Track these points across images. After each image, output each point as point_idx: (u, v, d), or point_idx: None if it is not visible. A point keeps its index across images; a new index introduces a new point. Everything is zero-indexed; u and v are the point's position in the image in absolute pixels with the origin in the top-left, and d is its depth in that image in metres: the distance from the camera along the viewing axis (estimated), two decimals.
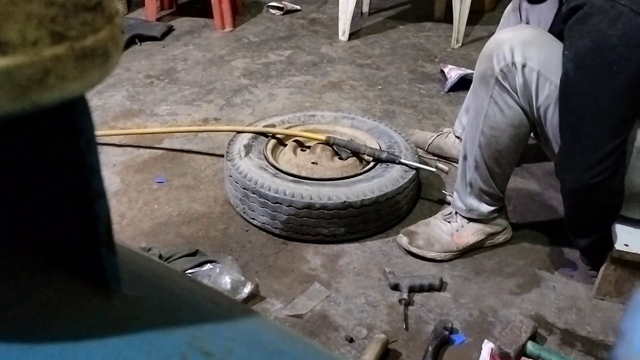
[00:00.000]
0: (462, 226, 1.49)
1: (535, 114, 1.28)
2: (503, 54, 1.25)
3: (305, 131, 1.77)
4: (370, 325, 1.28)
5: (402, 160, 1.59)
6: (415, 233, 1.50)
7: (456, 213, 1.50)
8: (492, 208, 1.46)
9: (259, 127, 1.76)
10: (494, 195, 1.44)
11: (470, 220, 1.48)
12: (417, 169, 1.61)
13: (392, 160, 1.60)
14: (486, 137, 1.35)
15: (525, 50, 1.24)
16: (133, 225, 1.57)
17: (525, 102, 1.27)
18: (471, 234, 1.49)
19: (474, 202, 1.45)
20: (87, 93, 0.25)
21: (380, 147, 1.67)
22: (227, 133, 1.90)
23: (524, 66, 1.24)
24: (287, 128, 1.78)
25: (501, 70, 1.26)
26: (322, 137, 1.70)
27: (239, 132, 1.74)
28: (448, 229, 1.49)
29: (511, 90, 1.27)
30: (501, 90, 1.28)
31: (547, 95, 1.24)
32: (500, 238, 1.53)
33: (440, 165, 1.63)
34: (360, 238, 1.54)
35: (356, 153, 1.67)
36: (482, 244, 1.51)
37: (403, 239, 1.49)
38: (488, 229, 1.49)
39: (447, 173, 1.66)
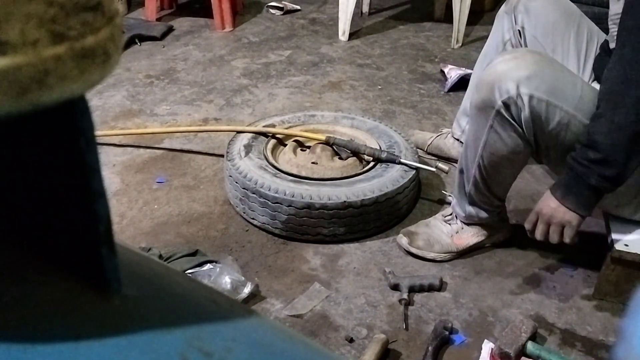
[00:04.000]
0: (462, 228, 1.49)
1: (544, 139, 1.25)
2: (507, 87, 1.20)
3: (305, 131, 1.77)
4: (370, 325, 1.28)
5: (402, 160, 1.59)
6: (415, 233, 1.50)
7: (456, 216, 1.50)
8: (490, 213, 1.46)
9: (259, 127, 1.76)
10: (493, 203, 1.44)
11: (469, 224, 1.49)
12: (417, 168, 1.61)
13: (392, 160, 1.60)
14: (485, 161, 1.33)
15: (531, 82, 1.19)
16: (133, 225, 1.57)
17: (529, 132, 1.24)
18: (471, 235, 1.49)
19: (473, 210, 1.45)
20: (87, 93, 0.25)
21: (380, 147, 1.66)
22: (227, 133, 1.90)
23: (531, 98, 1.19)
24: (287, 128, 1.78)
25: (504, 103, 1.22)
26: (322, 137, 1.70)
27: (239, 132, 1.74)
28: (448, 230, 1.49)
29: (513, 122, 1.23)
30: (502, 121, 1.24)
31: (558, 121, 1.21)
32: (500, 237, 1.53)
33: (440, 165, 1.63)
34: (360, 238, 1.54)
35: (356, 153, 1.67)
36: (482, 245, 1.51)
37: (403, 240, 1.49)
38: (487, 230, 1.50)
39: (447, 173, 1.66)
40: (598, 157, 1.14)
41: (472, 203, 1.44)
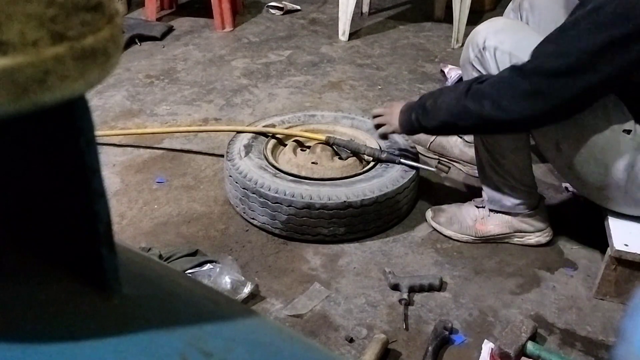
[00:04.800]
0: (488, 215, 1.50)
1: None
2: (477, 41, 1.35)
3: (305, 131, 1.77)
4: (370, 325, 1.28)
5: (402, 161, 1.59)
6: (442, 210, 1.58)
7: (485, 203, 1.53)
8: (517, 201, 1.46)
9: (259, 127, 1.76)
10: (515, 187, 1.44)
11: (494, 211, 1.49)
12: (417, 169, 1.61)
13: (392, 161, 1.59)
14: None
15: (496, 36, 1.32)
16: (133, 225, 1.57)
17: None
18: (494, 224, 1.50)
19: (496, 195, 1.47)
20: (87, 93, 0.25)
21: (380, 147, 1.66)
22: (227, 133, 1.90)
23: (496, 49, 1.31)
24: (287, 128, 1.78)
25: (475, 56, 1.35)
26: (322, 137, 1.70)
27: (239, 132, 1.74)
28: (474, 214, 1.53)
29: (486, 74, 1.33)
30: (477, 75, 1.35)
31: None
32: (532, 239, 1.51)
33: (439, 165, 1.63)
34: (360, 238, 1.54)
35: (356, 153, 1.67)
36: (508, 238, 1.51)
37: (429, 213, 1.59)
38: (516, 224, 1.49)
39: (447, 173, 1.66)
40: (428, 106, 1.31)
41: (491, 186, 1.47)
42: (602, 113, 1.22)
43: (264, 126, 1.77)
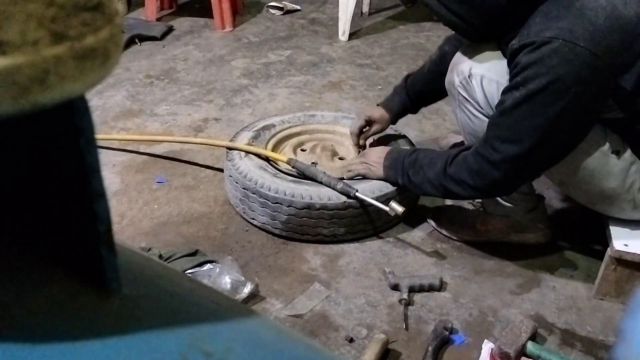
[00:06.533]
0: (488, 215, 1.51)
1: None
2: (462, 68, 1.32)
3: (303, 132, 1.77)
4: (370, 325, 1.28)
5: (357, 194, 1.46)
6: (442, 210, 1.60)
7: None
8: (514, 207, 1.46)
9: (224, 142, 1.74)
10: (512, 197, 1.44)
11: (494, 214, 1.50)
12: (370, 204, 1.47)
13: (347, 193, 1.46)
14: (469, 141, 1.41)
15: (483, 64, 1.30)
16: (133, 225, 1.57)
17: (488, 109, 1.30)
18: (494, 224, 1.50)
19: (491, 200, 1.48)
20: (87, 93, 0.25)
21: (338, 177, 1.53)
22: (227, 133, 1.89)
23: (482, 78, 1.29)
24: (287, 128, 1.79)
25: (460, 83, 1.33)
26: (284, 158, 1.61)
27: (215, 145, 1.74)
28: (474, 214, 1.54)
29: (471, 100, 1.33)
30: (464, 100, 1.35)
31: None
32: (532, 239, 1.51)
33: (393, 204, 1.43)
34: (360, 238, 1.54)
35: (313, 179, 1.53)
36: (508, 238, 1.51)
37: (429, 213, 1.60)
38: (515, 224, 1.49)
39: (399, 215, 1.42)
40: (413, 179, 1.39)
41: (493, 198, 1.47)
42: (591, 137, 1.21)
43: (263, 126, 1.77)
